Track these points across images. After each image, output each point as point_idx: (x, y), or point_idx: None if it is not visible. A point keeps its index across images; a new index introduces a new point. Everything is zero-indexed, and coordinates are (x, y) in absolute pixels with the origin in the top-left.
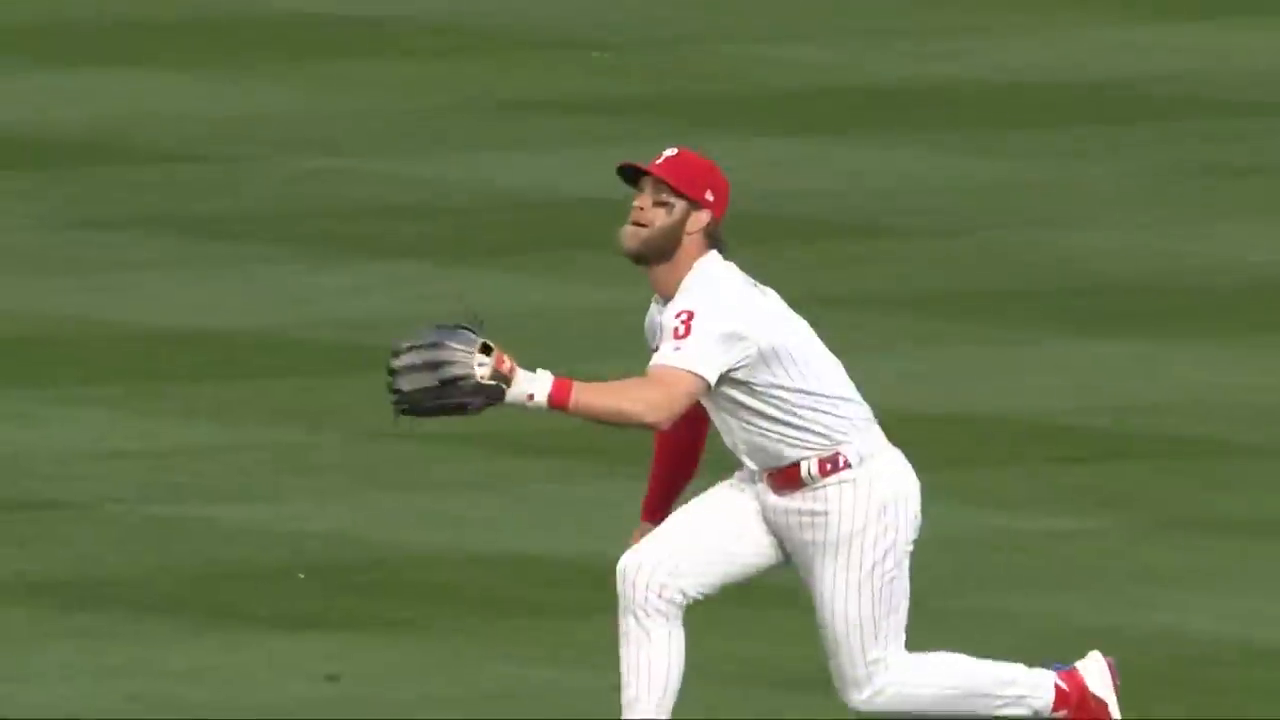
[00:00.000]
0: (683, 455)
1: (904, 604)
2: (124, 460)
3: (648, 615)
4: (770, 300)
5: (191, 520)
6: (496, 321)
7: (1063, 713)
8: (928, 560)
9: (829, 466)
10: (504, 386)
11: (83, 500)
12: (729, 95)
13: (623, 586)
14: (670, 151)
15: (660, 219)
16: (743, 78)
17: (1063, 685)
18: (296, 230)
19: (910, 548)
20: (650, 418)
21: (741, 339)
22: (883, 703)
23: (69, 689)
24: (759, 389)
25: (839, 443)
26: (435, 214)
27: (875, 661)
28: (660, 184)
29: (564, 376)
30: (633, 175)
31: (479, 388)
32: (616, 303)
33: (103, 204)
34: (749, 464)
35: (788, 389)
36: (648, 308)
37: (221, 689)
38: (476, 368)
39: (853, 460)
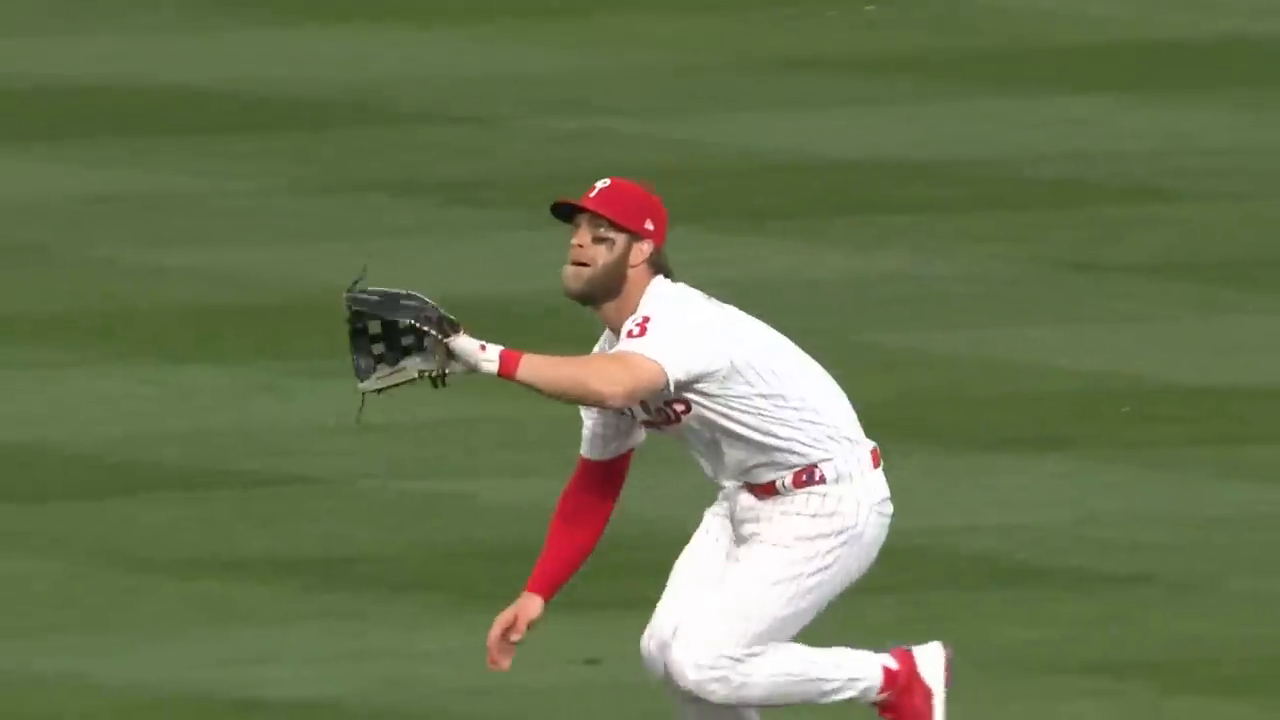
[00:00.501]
0: (585, 529)
1: (799, 623)
2: (375, 434)
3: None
4: (732, 312)
5: (444, 496)
6: (752, 288)
7: (886, 694)
8: (1212, 540)
9: (804, 478)
10: (454, 333)
11: (332, 476)
12: (1005, 51)
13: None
14: (603, 183)
15: (602, 256)
16: (1022, 32)
17: (892, 666)
18: (551, 195)
19: (846, 583)
20: (607, 390)
21: (707, 345)
22: (718, 690)
23: (317, 670)
24: (735, 402)
25: (817, 460)
26: (695, 177)
27: (736, 659)
28: (598, 219)
29: (512, 351)
30: (567, 212)
31: (433, 320)
32: (877, 269)
33: (353, 168)
34: (728, 484)
35: (764, 397)
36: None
37: (476, 672)
38: (426, 309)
39: (829, 476)
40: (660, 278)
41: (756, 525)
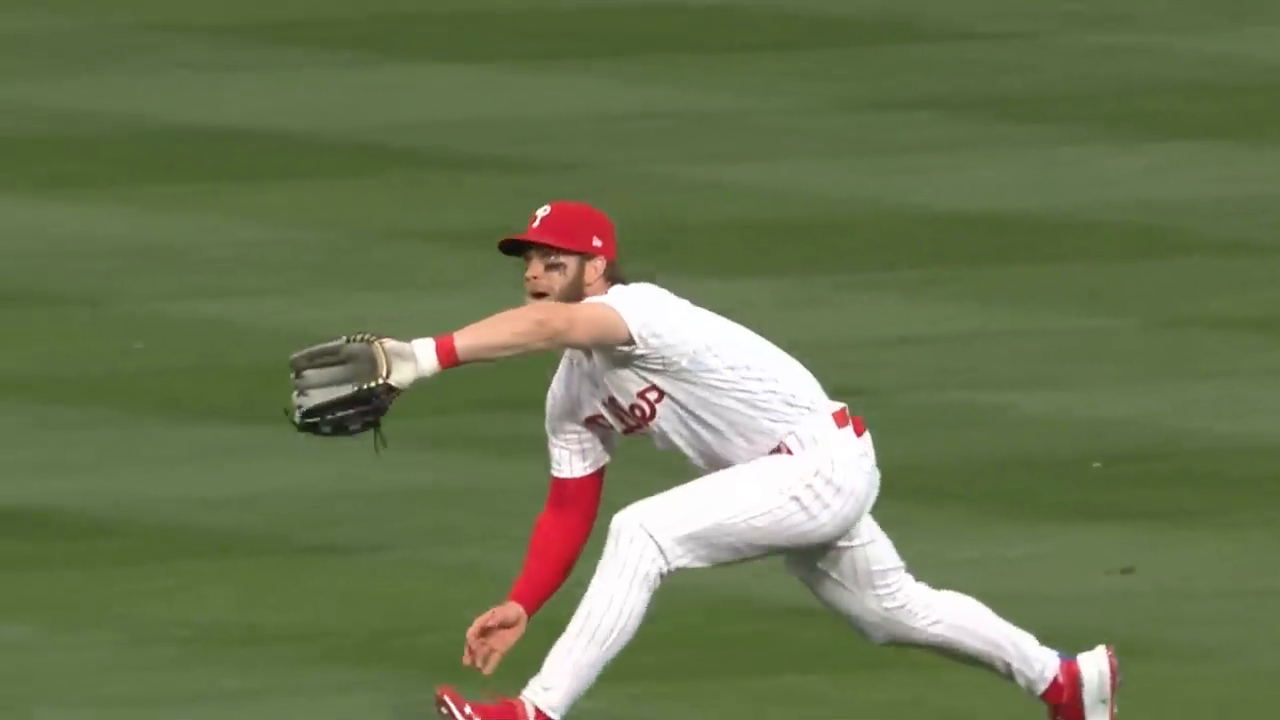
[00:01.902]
0: (564, 548)
1: (766, 537)
2: (918, 346)
3: None
4: (688, 303)
5: (986, 407)
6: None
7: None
8: None
9: (773, 452)
10: (386, 381)
11: (876, 386)
12: None
13: None
14: (543, 211)
15: (557, 283)
16: None
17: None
18: (1093, 109)
19: (821, 531)
20: (559, 325)
21: (666, 310)
22: (621, 550)
23: None
24: (706, 377)
25: (783, 435)
26: (1237, 92)
27: (659, 542)
28: (546, 248)
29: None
30: (515, 247)
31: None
32: None
33: (896, 85)
34: (700, 466)
35: (731, 369)
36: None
37: (1002, 581)
38: (380, 372)
39: (793, 447)
40: (617, 286)
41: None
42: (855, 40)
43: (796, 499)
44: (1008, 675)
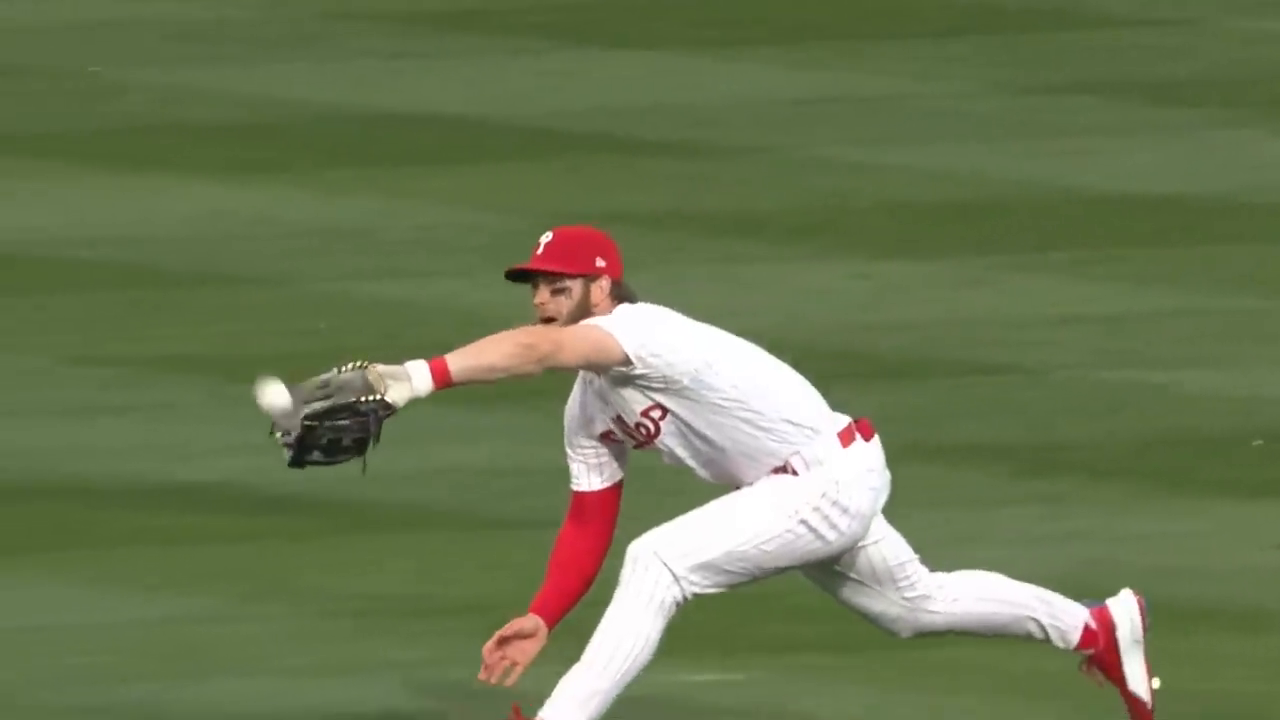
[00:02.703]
0: (585, 562)
1: (755, 566)
2: (1077, 325)
3: None
4: (695, 321)
5: (1143, 386)
6: None
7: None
8: None
9: (780, 474)
10: (383, 398)
11: (1036, 365)
12: None
13: None
14: (546, 237)
15: (564, 306)
16: None
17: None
18: (1251, 94)
19: (824, 549)
20: (548, 348)
21: (666, 330)
22: (636, 576)
23: (1022, 551)
24: (710, 396)
25: (787, 455)
26: None
27: (672, 569)
28: (550, 274)
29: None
30: (522, 276)
31: (363, 415)
32: None
33: (1055, 70)
34: (708, 480)
35: (735, 388)
36: None
37: (1172, 555)
38: (372, 393)
39: (798, 468)
40: (625, 305)
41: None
42: (1015, 27)
43: (805, 522)
44: (1043, 636)
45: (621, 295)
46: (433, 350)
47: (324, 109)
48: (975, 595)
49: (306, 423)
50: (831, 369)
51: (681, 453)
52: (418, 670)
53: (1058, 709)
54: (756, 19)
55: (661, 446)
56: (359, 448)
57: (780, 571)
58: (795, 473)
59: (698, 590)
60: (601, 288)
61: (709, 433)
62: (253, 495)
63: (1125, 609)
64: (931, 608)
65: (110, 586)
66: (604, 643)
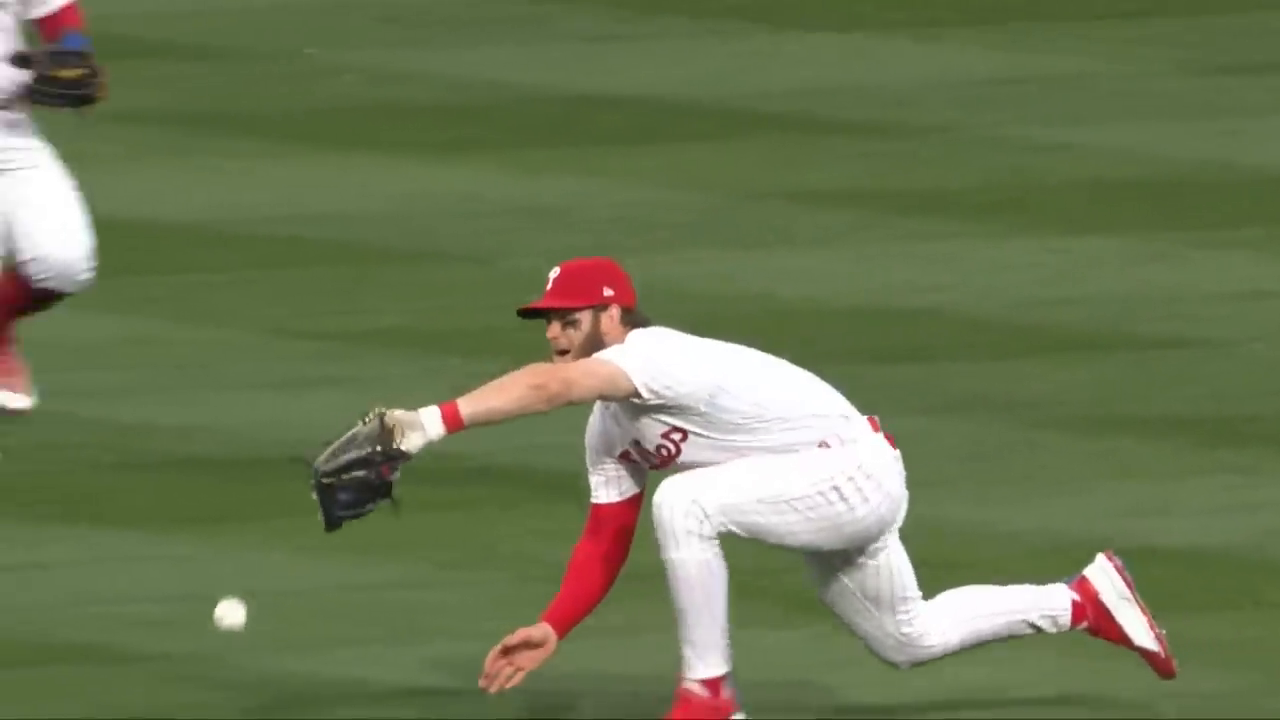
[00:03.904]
0: (601, 574)
1: (775, 534)
2: (1265, 301)
3: None
4: (705, 340)
5: None
6: None
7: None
8: None
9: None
10: (398, 447)
11: (1224, 339)
12: None
13: None
14: (554, 273)
15: (576, 339)
16: None
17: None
18: None
19: (856, 530)
20: (557, 388)
21: (675, 357)
22: (675, 520)
23: (1209, 521)
24: (727, 417)
25: (823, 438)
26: None
27: (706, 514)
28: (559, 310)
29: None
30: (533, 313)
31: (376, 459)
32: None
33: (1240, 51)
34: None
35: (755, 405)
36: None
37: None
38: (377, 440)
39: (832, 444)
40: (637, 331)
41: None
42: (1200, 9)
43: (836, 489)
44: (1038, 629)
45: (634, 321)
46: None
47: (528, 90)
48: (967, 617)
49: (325, 480)
50: (1020, 344)
51: (709, 461)
52: (618, 637)
53: (1250, 681)
54: (949, 1)
55: (685, 464)
56: (384, 492)
57: (803, 545)
58: (830, 447)
59: (723, 529)
60: (612, 316)
61: (737, 444)
62: (463, 464)
63: (1102, 572)
64: (926, 643)
65: (320, 554)
66: (683, 591)
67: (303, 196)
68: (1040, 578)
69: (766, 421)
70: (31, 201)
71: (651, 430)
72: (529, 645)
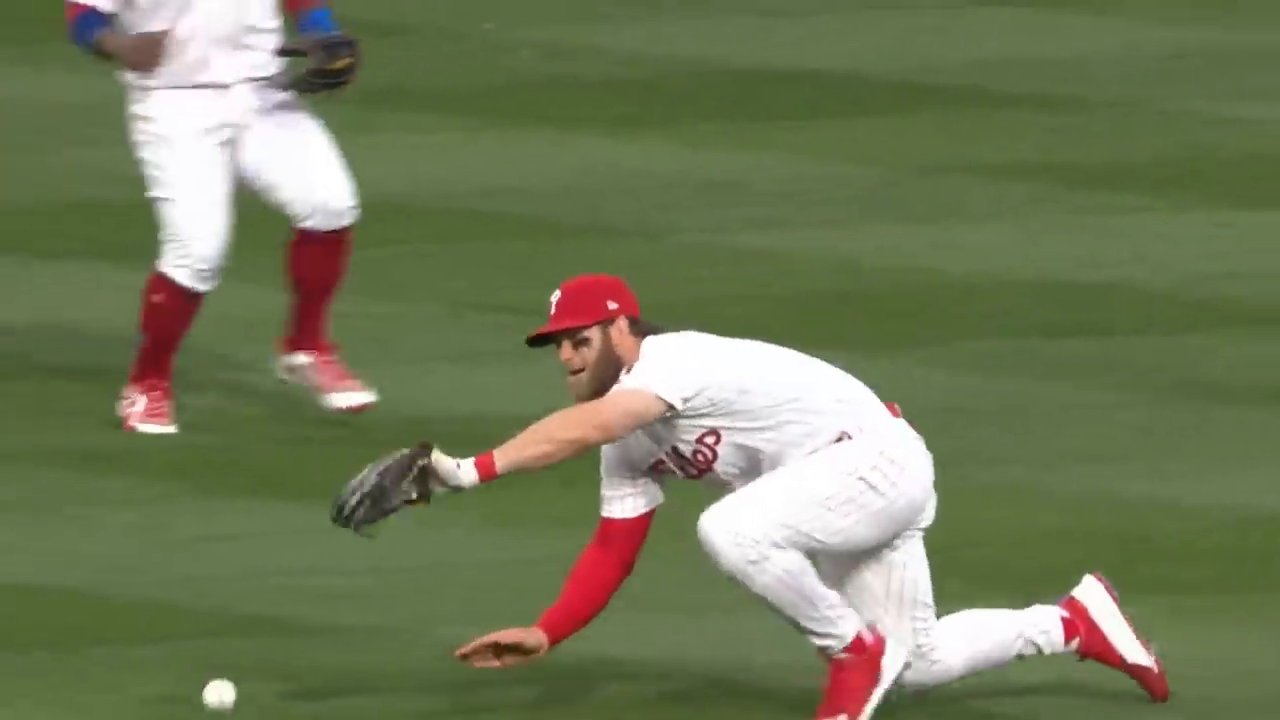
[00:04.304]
0: (600, 588)
1: (826, 535)
2: None
3: None
4: (721, 339)
5: None
6: None
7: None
8: None
9: (838, 442)
10: (425, 452)
11: None
12: None
13: None
14: (554, 296)
15: (589, 357)
16: None
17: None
18: None
19: (891, 516)
20: (595, 436)
21: (697, 364)
22: (733, 560)
23: None
24: (760, 414)
25: (846, 426)
26: None
27: (759, 539)
28: (566, 331)
29: (481, 455)
30: (542, 339)
31: (403, 458)
32: None
33: None
34: None
35: (790, 402)
36: None
37: None
38: (398, 455)
39: (854, 433)
40: (649, 338)
41: None
42: None
43: (864, 479)
44: (1036, 649)
45: (643, 330)
46: (798, 301)
47: (700, 64)
48: (971, 635)
49: (354, 499)
50: (1192, 318)
51: (745, 464)
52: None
53: None
54: None
55: (721, 468)
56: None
57: (848, 543)
58: (851, 437)
59: (774, 544)
60: (620, 328)
61: (768, 435)
62: None
63: (1091, 591)
64: (935, 658)
65: (504, 526)
66: (782, 607)
67: (480, 171)
68: (1221, 553)
69: (794, 408)
70: (286, 143)
71: (688, 435)
72: (521, 650)
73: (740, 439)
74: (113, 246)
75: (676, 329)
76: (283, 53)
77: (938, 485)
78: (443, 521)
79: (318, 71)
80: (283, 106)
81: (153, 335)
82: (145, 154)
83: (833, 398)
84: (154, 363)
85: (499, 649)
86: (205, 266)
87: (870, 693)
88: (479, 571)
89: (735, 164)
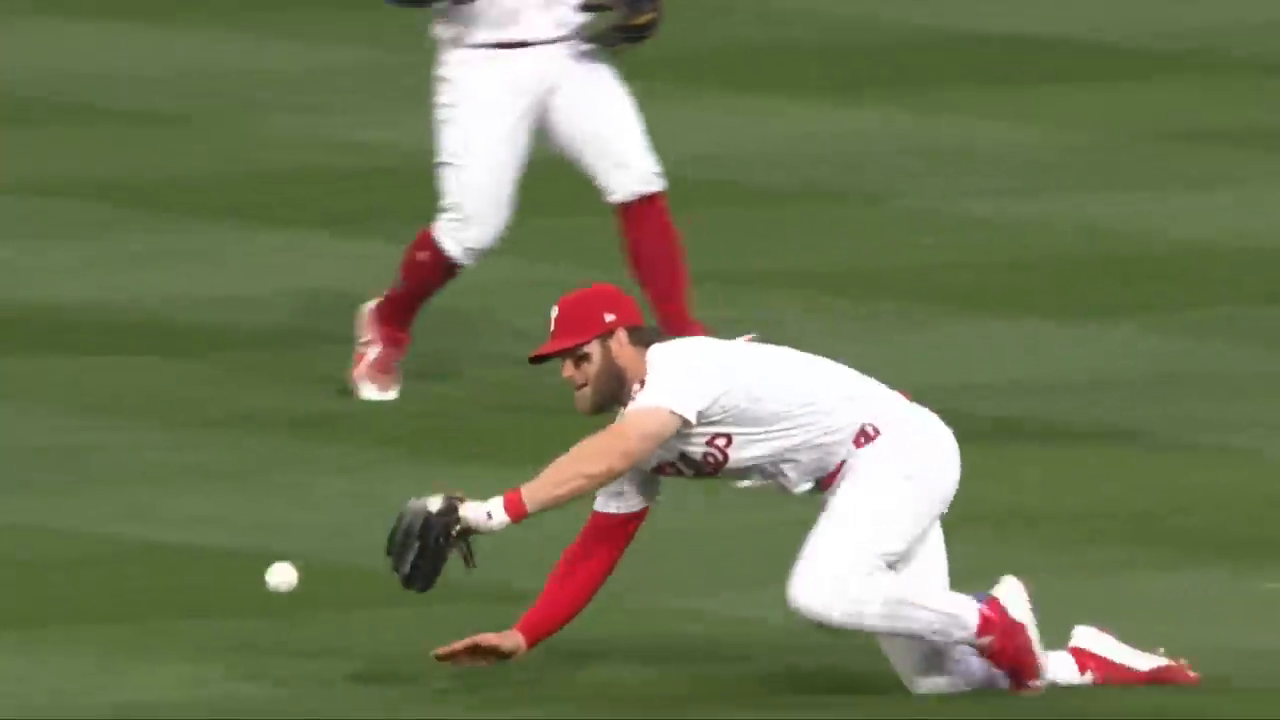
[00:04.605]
0: (582, 587)
1: (898, 542)
2: None
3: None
4: (729, 343)
5: None
6: None
7: (988, 638)
8: None
9: (862, 440)
10: (456, 503)
11: None
12: None
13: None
14: (552, 313)
15: (590, 372)
16: None
17: (985, 611)
18: None
19: (940, 498)
20: (620, 464)
21: (708, 373)
22: (835, 614)
23: None
24: (772, 415)
25: (863, 422)
26: None
27: (850, 581)
28: (566, 349)
29: (509, 493)
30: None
31: (435, 523)
32: None
33: None
34: (805, 488)
35: (802, 405)
36: None
37: None
38: (426, 504)
39: (881, 426)
40: (654, 347)
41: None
42: None
43: (909, 478)
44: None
45: (645, 339)
46: (1024, 269)
47: (921, 31)
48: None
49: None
50: None
51: (760, 464)
52: (1048, 576)
53: None
54: None
55: (735, 468)
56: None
57: (920, 534)
58: (876, 433)
59: (861, 584)
60: (619, 340)
61: (780, 439)
62: None
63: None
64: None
65: (713, 493)
66: (912, 630)
67: (701, 137)
68: None
69: (806, 412)
70: (591, 112)
71: (697, 440)
72: (499, 653)
73: (752, 441)
74: (330, 215)
75: (765, 328)
76: (586, 7)
77: (1162, 451)
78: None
79: (620, 26)
80: (589, 71)
81: (407, 287)
82: (442, 118)
83: (843, 396)
84: (401, 312)
85: (476, 651)
86: (477, 247)
87: (1029, 646)
88: (688, 539)
89: (957, 129)
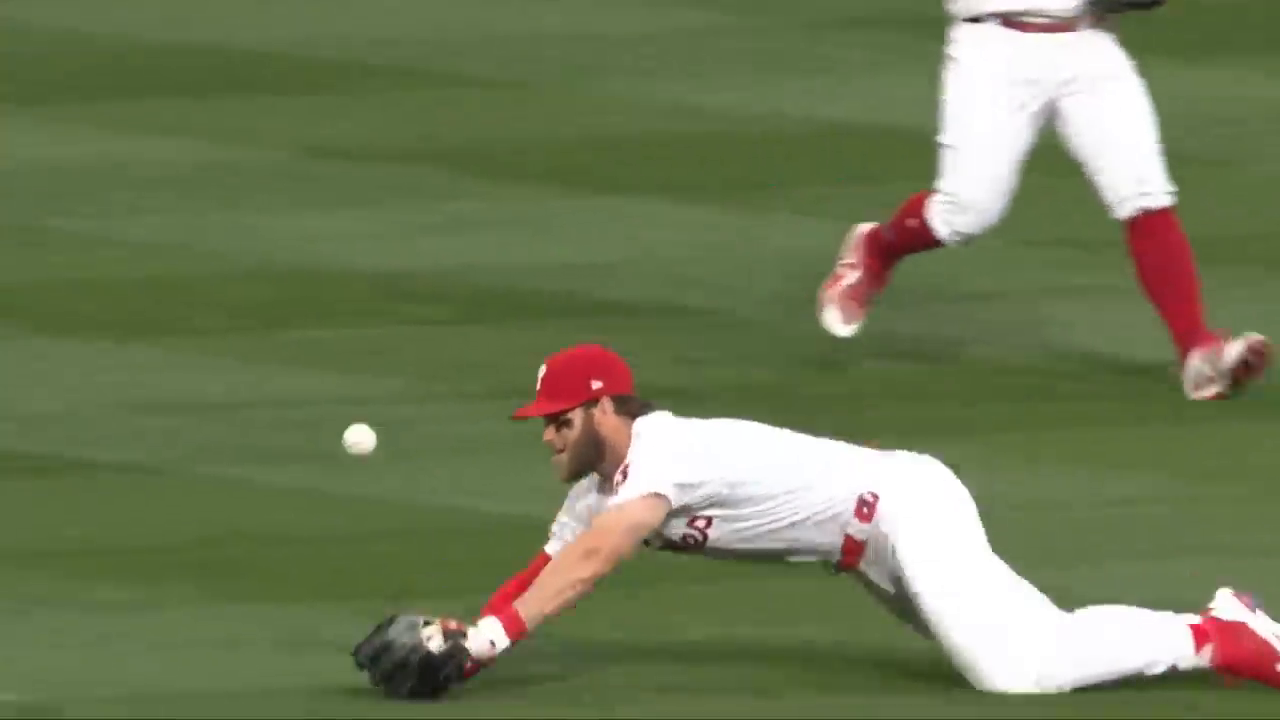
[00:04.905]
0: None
1: (996, 583)
2: None
3: None
4: (714, 425)
5: None
6: None
7: (1209, 651)
8: None
9: (865, 512)
10: (462, 641)
11: None
12: None
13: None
14: (540, 372)
15: (570, 438)
16: None
17: (1194, 621)
18: None
19: (976, 530)
20: (609, 566)
21: (692, 460)
22: (1031, 685)
23: None
24: (760, 502)
25: (856, 494)
26: None
27: (1013, 660)
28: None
29: (505, 611)
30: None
31: (443, 656)
32: None
33: None
34: (820, 559)
35: (787, 492)
36: None
37: None
38: (424, 641)
39: (878, 492)
40: (640, 420)
41: (887, 567)
42: None
43: (941, 529)
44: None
45: (630, 410)
46: None
47: None
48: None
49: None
50: None
51: (739, 546)
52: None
53: None
54: None
55: (711, 549)
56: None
57: (991, 554)
58: (875, 498)
59: (1031, 647)
60: (604, 409)
61: (761, 520)
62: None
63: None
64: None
65: (1066, 466)
66: (1106, 673)
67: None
68: None
69: (789, 495)
70: (1104, 119)
71: (677, 523)
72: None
73: (733, 522)
74: (670, 182)
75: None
76: None
77: None
78: (992, 463)
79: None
80: (1109, 69)
81: (893, 239)
82: (947, 99)
83: (822, 468)
84: (884, 254)
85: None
86: (968, 232)
87: (1259, 637)
88: (1046, 512)
89: None
